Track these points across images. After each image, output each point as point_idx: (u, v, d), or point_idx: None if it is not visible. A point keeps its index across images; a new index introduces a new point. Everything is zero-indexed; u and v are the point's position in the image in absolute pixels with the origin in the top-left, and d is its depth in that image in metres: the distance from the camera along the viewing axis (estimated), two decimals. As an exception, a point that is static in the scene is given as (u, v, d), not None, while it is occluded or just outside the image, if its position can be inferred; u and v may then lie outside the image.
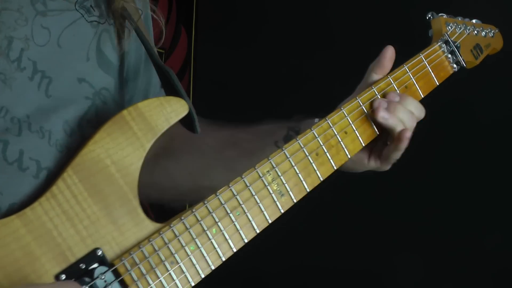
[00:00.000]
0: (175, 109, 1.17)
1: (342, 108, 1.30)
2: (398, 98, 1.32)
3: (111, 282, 1.08)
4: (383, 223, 2.86)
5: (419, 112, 1.34)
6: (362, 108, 1.31)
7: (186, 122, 1.20)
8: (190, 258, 1.13)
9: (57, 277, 1.06)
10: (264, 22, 3.13)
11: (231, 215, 1.17)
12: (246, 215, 1.18)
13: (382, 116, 1.29)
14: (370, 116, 1.31)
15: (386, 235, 2.86)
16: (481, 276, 2.74)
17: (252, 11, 3.18)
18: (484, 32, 1.52)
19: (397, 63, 1.39)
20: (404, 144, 1.30)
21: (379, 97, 1.32)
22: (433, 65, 1.40)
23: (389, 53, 1.36)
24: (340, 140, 1.28)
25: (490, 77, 2.53)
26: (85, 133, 1.15)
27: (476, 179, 2.75)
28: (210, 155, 1.36)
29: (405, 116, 1.31)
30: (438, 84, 1.41)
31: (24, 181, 1.09)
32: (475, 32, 1.50)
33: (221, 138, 1.37)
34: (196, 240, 1.14)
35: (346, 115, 1.30)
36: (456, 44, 1.44)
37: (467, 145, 2.73)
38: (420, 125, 1.36)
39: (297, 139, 1.25)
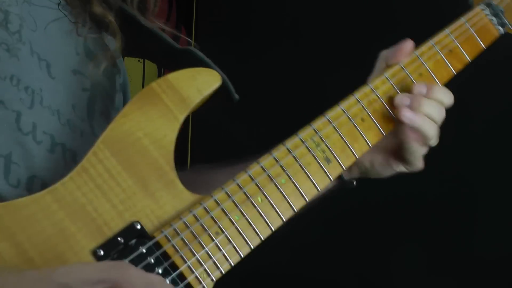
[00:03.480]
0: (207, 80, 1.13)
1: (384, 74, 1.23)
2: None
3: (153, 255, 1.01)
4: (383, 223, 2.75)
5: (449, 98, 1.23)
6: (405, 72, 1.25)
7: (221, 94, 1.15)
8: (236, 227, 1.06)
9: (94, 252, 0.99)
10: (265, 22, 3.10)
11: (275, 181, 1.10)
12: (292, 182, 1.11)
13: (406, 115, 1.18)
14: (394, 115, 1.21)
15: (386, 234, 2.74)
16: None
17: (252, 11, 3.16)
18: (528, -3, 1.45)
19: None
20: (409, 138, 1.19)
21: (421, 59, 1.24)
22: (477, 28, 1.33)
23: (409, 46, 1.25)
24: (385, 104, 1.21)
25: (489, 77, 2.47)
26: (94, 124, 1.12)
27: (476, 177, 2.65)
28: None
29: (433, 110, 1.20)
30: (484, 47, 1.34)
31: (40, 154, 1.05)
32: (519, -4, 1.43)
33: (234, 172, 1.32)
34: (241, 208, 1.07)
35: (389, 79, 1.23)
36: (500, 8, 1.37)
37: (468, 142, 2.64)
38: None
39: (339, 104, 1.18)
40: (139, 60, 3.00)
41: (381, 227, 2.77)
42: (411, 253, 2.70)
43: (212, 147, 2.75)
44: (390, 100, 1.22)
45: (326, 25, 2.94)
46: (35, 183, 1.03)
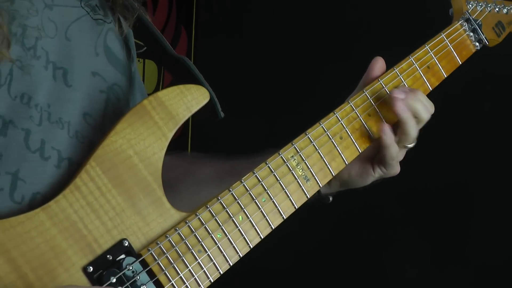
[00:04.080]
0: (195, 97, 1.16)
1: (365, 91, 1.28)
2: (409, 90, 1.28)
3: (139, 273, 1.07)
4: (382, 223, 2.83)
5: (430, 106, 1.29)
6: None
7: (208, 109, 1.19)
8: (218, 246, 1.12)
9: (84, 269, 1.05)
10: (264, 22, 3.12)
11: (256, 201, 1.16)
12: (272, 201, 1.17)
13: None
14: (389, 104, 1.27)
15: (386, 234, 2.83)
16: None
17: (252, 11, 3.17)
18: (505, 9, 1.49)
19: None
20: (384, 138, 1.25)
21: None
22: (455, 44, 1.38)
23: (379, 64, 1.32)
24: (363, 122, 1.27)
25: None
26: (106, 127, 1.15)
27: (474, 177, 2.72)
28: (210, 184, 1.35)
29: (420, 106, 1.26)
30: (460, 63, 1.39)
31: (46, 170, 1.08)
32: (497, 9, 1.47)
33: (221, 167, 1.36)
34: (223, 227, 1.13)
35: (369, 97, 1.28)
36: (477, 22, 1.42)
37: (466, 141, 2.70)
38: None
39: (321, 123, 1.24)
40: (139, 60, 2.98)
41: (381, 230, 2.82)
42: (411, 258, 2.76)
43: (211, 140, 2.77)
44: (369, 118, 1.28)
45: (321, 23, 2.95)
46: (37, 200, 1.07)
